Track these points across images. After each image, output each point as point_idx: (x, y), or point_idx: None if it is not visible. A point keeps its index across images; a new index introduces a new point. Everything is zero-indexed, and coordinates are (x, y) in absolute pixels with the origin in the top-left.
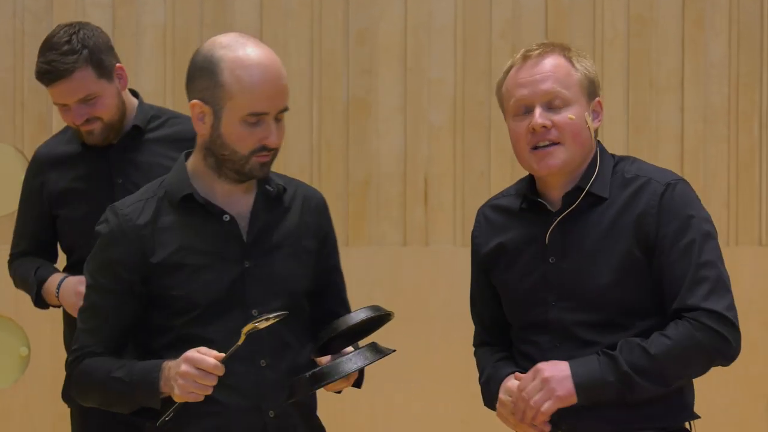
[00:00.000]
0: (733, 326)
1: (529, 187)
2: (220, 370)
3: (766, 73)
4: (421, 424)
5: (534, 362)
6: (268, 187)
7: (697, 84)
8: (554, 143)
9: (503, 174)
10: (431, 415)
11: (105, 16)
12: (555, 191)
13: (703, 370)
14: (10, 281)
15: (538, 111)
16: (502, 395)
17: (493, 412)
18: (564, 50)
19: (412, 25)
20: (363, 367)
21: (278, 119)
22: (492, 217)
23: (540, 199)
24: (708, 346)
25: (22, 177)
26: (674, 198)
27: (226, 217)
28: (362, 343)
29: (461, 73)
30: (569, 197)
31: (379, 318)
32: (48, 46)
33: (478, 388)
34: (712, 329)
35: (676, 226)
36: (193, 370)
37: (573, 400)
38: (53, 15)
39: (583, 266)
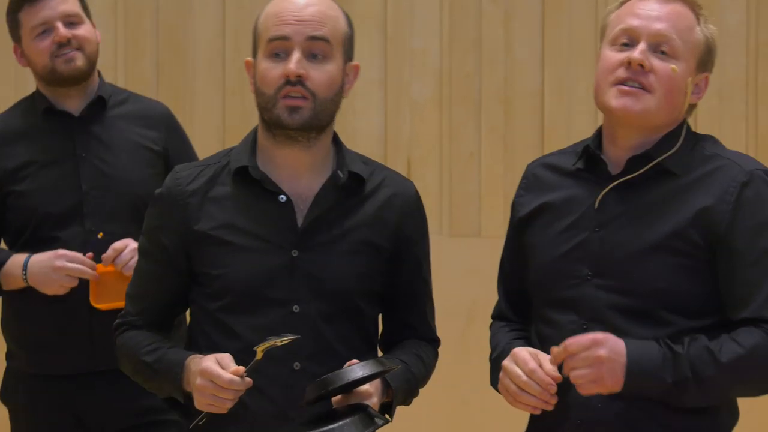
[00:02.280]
0: None
1: (594, 141)
2: (239, 385)
3: None
4: (406, 425)
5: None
6: (339, 172)
7: None
8: (644, 90)
9: (495, 155)
10: (417, 417)
11: None
12: (620, 151)
13: (759, 393)
14: None
15: (642, 46)
16: (506, 362)
17: (480, 416)
18: (695, 5)
19: None
20: None
21: (313, 55)
22: (542, 175)
23: (602, 156)
24: None
25: None
26: (758, 191)
27: (282, 198)
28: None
29: (447, 42)
30: (634, 162)
31: (381, 372)
32: None
33: (467, 394)
34: None
35: (756, 224)
36: (209, 384)
37: (616, 390)
38: None
39: (630, 241)
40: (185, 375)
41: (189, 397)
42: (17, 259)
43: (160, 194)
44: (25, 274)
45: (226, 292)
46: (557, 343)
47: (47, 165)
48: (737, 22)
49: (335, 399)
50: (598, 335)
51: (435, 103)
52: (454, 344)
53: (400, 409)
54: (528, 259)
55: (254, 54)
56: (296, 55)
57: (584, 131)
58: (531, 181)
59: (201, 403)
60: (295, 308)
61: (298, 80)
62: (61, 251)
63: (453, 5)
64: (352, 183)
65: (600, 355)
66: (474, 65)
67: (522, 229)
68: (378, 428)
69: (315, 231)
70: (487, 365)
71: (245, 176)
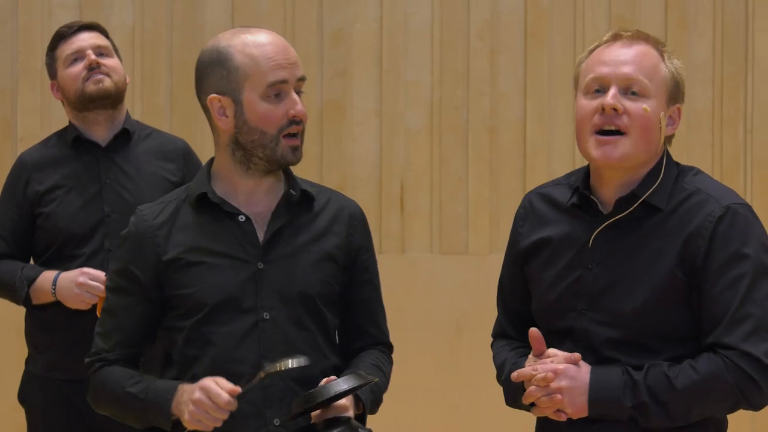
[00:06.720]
0: None
1: (583, 181)
2: (232, 406)
3: (750, 76)
4: (398, 430)
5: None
6: (291, 191)
7: None
8: (620, 133)
9: (481, 179)
10: (408, 422)
11: (71, 17)
12: (609, 190)
13: (725, 412)
14: None
15: (612, 91)
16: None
17: (469, 420)
18: (658, 44)
19: (387, 26)
20: None
21: (299, 92)
22: (539, 208)
23: (592, 197)
24: (736, 389)
25: None
26: (732, 225)
27: (242, 218)
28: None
29: (438, 75)
30: (622, 203)
31: (362, 385)
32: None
33: (456, 399)
34: (744, 372)
35: (728, 255)
36: (207, 400)
37: (583, 414)
38: (18, 17)
39: (621, 279)
40: (176, 398)
41: (175, 425)
42: (48, 275)
43: (128, 233)
44: (54, 289)
45: (202, 306)
46: None
47: (73, 189)
48: (704, 58)
49: (314, 414)
50: (561, 369)
51: (426, 131)
52: (444, 353)
53: (392, 413)
54: (529, 289)
55: (232, 92)
56: (296, 97)
57: (563, 157)
58: (529, 210)
59: (193, 417)
60: (266, 315)
61: (300, 119)
62: (86, 269)
63: (443, 41)
64: (303, 201)
65: (560, 387)
66: (462, 97)
67: (522, 261)
68: None
69: (276, 244)
70: (476, 372)
71: (205, 203)
